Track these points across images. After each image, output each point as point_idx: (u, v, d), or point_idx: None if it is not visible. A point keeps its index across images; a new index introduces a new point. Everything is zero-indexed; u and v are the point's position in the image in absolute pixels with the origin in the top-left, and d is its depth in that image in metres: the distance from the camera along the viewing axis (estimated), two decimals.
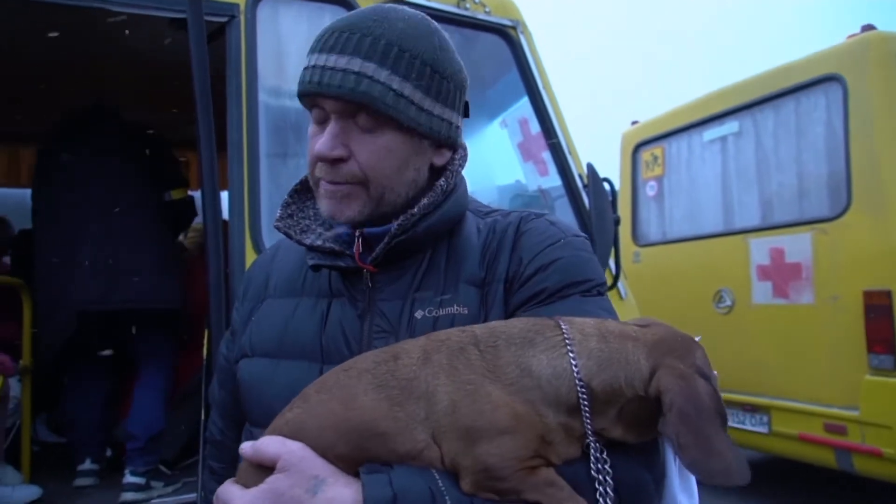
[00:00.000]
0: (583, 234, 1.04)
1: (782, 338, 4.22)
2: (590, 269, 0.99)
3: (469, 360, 0.78)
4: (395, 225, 0.95)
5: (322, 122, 0.96)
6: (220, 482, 1.07)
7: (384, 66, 0.92)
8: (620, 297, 2.93)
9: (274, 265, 1.14)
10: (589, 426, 0.75)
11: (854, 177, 3.82)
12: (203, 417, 2.50)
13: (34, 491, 2.86)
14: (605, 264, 2.75)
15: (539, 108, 2.89)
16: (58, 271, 2.85)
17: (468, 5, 2.73)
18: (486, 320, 0.93)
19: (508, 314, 0.95)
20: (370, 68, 0.92)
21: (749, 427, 4.40)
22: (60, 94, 3.46)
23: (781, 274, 4.22)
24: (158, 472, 3.00)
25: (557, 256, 0.97)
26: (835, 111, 3.99)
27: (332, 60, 0.92)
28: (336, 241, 1.01)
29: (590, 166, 2.72)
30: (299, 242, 1.02)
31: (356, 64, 0.91)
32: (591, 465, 0.75)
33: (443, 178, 1.00)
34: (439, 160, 1.02)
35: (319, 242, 1.00)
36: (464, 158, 1.06)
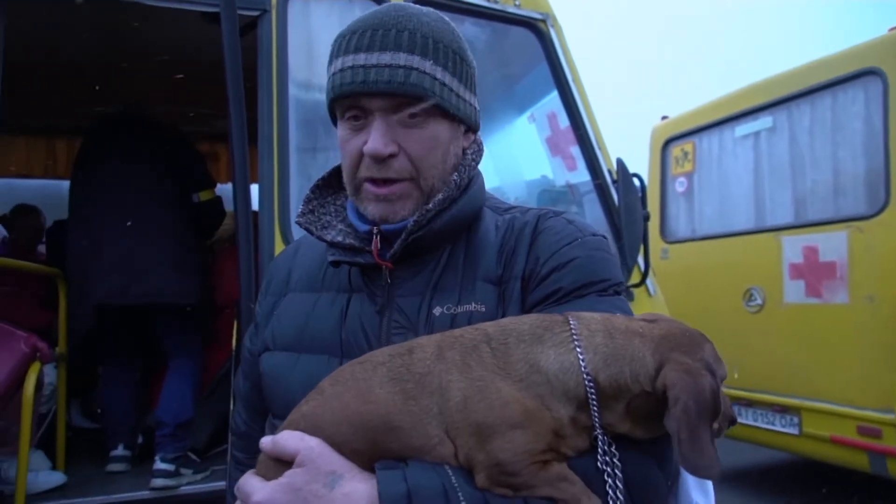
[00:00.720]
0: (601, 234, 1.04)
1: (815, 338, 4.13)
2: (606, 269, 0.98)
3: (481, 357, 0.79)
4: (411, 221, 0.96)
5: (357, 124, 0.96)
6: (244, 470, 1.09)
7: (427, 58, 0.95)
8: (649, 294, 2.90)
9: (296, 260, 1.15)
10: (597, 419, 0.76)
11: (893, 174, 3.72)
12: (231, 407, 2.55)
13: (58, 478, 2.94)
14: (634, 260, 2.72)
15: (568, 102, 2.87)
16: (82, 265, 2.97)
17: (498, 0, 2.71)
18: (503, 317, 0.93)
19: (525, 312, 0.95)
20: (415, 61, 0.94)
21: (779, 428, 4.32)
22: (95, 88, 3.53)
23: (815, 273, 4.13)
24: (188, 460, 3.05)
25: (574, 256, 0.96)
26: (874, 106, 3.88)
27: (375, 58, 0.93)
28: (356, 237, 1.02)
29: (619, 161, 2.69)
30: (320, 238, 1.03)
31: (401, 58, 0.93)
32: (599, 458, 0.76)
33: (456, 174, 1.00)
34: (466, 143, 1.05)
35: (340, 238, 1.01)
36: (477, 153, 1.07)
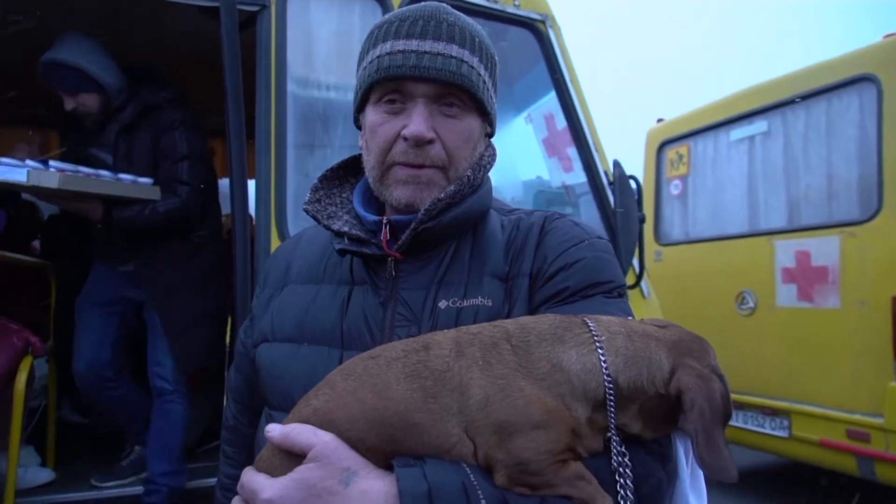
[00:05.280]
0: (605, 237, 1.06)
1: (806, 341, 4.16)
2: (611, 271, 1.01)
3: (501, 355, 0.78)
4: (421, 211, 0.96)
5: (395, 107, 0.97)
6: (234, 466, 1.12)
7: (474, 54, 0.98)
8: (643, 296, 2.91)
9: (296, 253, 1.15)
10: (613, 420, 0.77)
11: (886, 180, 3.74)
12: (225, 402, 2.54)
13: (47, 474, 2.92)
14: (630, 262, 2.73)
15: (566, 103, 2.87)
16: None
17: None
18: (509, 313, 0.95)
19: (532, 310, 0.96)
20: (465, 54, 0.97)
21: (769, 431, 4.35)
22: None
23: (807, 277, 4.16)
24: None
25: (581, 256, 0.98)
26: (868, 112, 3.90)
27: (428, 45, 0.95)
28: (362, 228, 1.03)
29: (616, 163, 2.70)
30: (327, 227, 1.03)
31: (453, 49, 0.96)
32: (613, 458, 0.77)
33: (470, 170, 1.01)
34: (483, 146, 1.06)
35: (346, 229, 1.01)
36: (492, 157, 1.08)
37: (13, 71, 3.37)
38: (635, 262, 2.81)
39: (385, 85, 0.97)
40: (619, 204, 2.65)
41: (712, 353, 0.81)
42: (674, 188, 5.43)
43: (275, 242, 2.22)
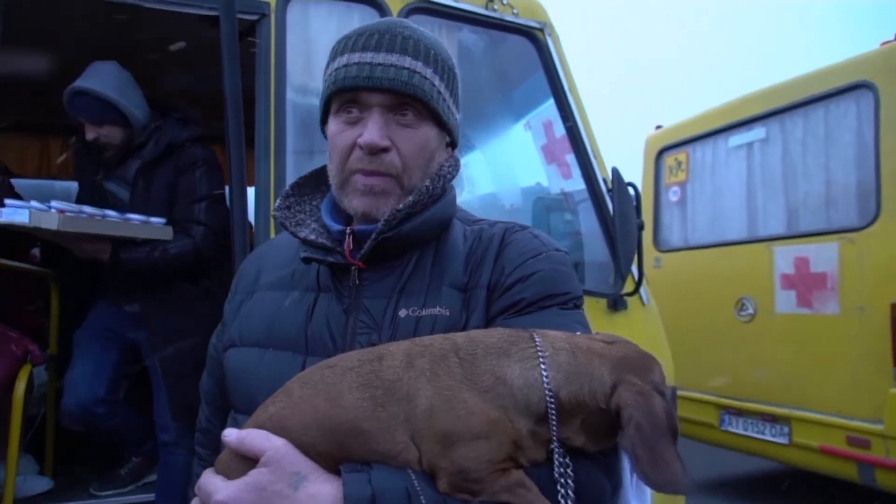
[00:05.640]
0: (563, 249, 1.08)
1: (805, 348, 4.16)
2: (568, 283, 1.03)
3: (449, 367, 0.81)
4: (381, 221, 0.99)
5: (352, 117, 1.01)
6: (206, 466, 1.11)
7: (428, 66, 1.01)
8: (643, 303, 2.91)
9: (266, 260, 1.19)
10: (555, 432, 0.80)
11: (884, 186, 3.76)
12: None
13: (45, 483, 2.90)
14: (629, 269, 2.73)
15: (564, 110, 2.88)
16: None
17: (496, 7, 2.72)
18: (467, 324, 0.98)
19: (489, 320, 0.99)
20: (418, 66, 1.00)
21: (769, 437, 4.34)
22: None
23: (806, 283, 4.16)
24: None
25: (538, 269, 1.00)
26: (865, 119, 3.92)
27: (381, 57, 0.98)
28: (328, 237, 1.05)
29: (615, 170, 2.70)
30: (294, 234, 1.06)
31: (406, 61, 0.99)
32: (556, 469, 0.80)
33: (428, 181, 1.04)
34: (444, 157, 1.09)
35: (313, 237, 1.04)
36: (453, 168, 1.10)
37: (16, 78, 3.38)
38: (634, 268, 2.81)
39: (342, 96, 1.01)
40: (618, 211, 2.65)
41: (658, 371, 0.83)
42: (673, 195, 5.45)
43: None
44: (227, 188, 2.23)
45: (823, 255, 4.04)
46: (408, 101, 1.00)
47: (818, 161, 4.26)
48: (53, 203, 2.25)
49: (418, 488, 0.77)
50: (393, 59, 0.99)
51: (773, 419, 4.31)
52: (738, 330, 4.60)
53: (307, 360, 0.98)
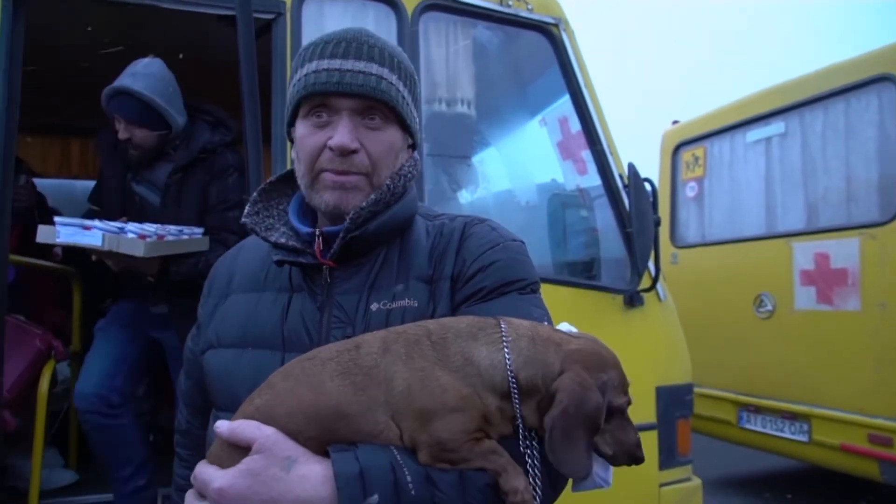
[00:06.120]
0: (520, 239, 1.15)
1: (825, 345, 4.11)
2: (524, 270, 1.10)
3: (422, 350, 0.88)
4: (347, 220, 1.05)
5: (321, 121, 1.06)
6: (187, 467, 1.19)
7: (393, 72, 1.08)
8: (659, 299, 2.89)
9: (237, 263, 1.23)
10: (518, 409, 0.87)
11: None
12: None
13: (70, 476, 2.96)
14: (645, 265, 2.72)
15: (580, 106, 2.87)
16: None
17: (511, 3, 2.72)
18: (434, 313, 1.04)
19: (454, 308, 1.05)
20: (385, 72, 1.06)
21: (788, 435, 4.30)
22: (95, 86, 3.56)
23: (826, 279, 4.11)
24: None
25: (496, 258, 1.08)
26: (888, 112, 3.87)
27: (349, 64, 1.04)
28: (297, 239, 1.10)
29: (631, 166, 2.69)
30: (265, 239, 1.11)
31: (373, 68, 1.06)
32: (521, 441, 0.87)
33: (389, 180, 1.09)
34: (405, 157, 1.15)
35: (283, 240, 1.09)
36: (413, 167, 1.15)
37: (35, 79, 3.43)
38: (651, 264, 2.79)
39: (312, 100, 1.06)
40: (634, 207, 2.64)
41: (613, 372, 0.88)
42: (690, 190, 5.40)
43: None
44: None
45: (844, 251, 3.99)
46: (375, 106, 1.06)
47: (838, 155, 4.20)
48: (130, 226, 2.24)
49: (401, 461, 0.83)
50: (361, 65, 1.04)
51: (792, 417, 4.26)
52: (757, 327, 4.55)
53: (285, 357, 1.03)
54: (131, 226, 2.24)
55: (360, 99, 1.04)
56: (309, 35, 2.37)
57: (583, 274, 2.95)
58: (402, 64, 1.10)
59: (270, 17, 2.34)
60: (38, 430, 2.59)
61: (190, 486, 1.15)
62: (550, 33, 2.84)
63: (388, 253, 1.10)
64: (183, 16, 2.35)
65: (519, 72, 3.18)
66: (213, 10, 2.32)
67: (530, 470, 0.87)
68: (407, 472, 0.82)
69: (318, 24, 2.40)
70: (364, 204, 1.05)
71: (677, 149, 5.52)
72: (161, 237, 2.31)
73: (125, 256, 2.24)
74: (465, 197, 2.99)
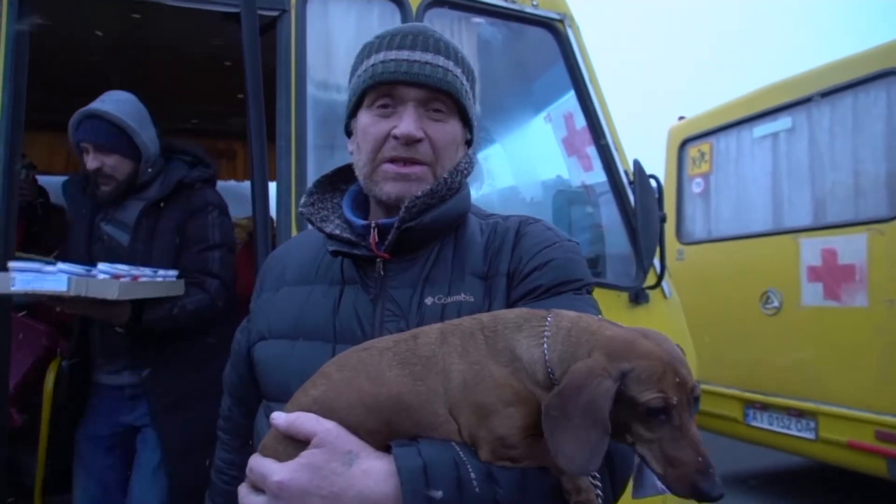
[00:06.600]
0: (575, 240, 1.15)
1: (832, 341, 4.09)
2: (579, 270, 1.10)
3: (476, 343, 0.86)
4: (402, 210, 1.05)
5: (386, 111, 1.08)
6: (228, 451, 1.24)
7: (457, 66, 1.10)
8: (665, 296, 2.88)
9: (290, 257, 1.24)
10: None
11: None
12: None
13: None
14: (650, 262, 2.71)
15: (585, 102, 2.85)
16: None
17: None
18: (489, 309, 1.03)
19: (509, 306, 1.04)
20: (450, 65, 1.09)
21: (794, 432, 4.28)
22: (101, 83, 3.57)
23: (833, 275, 4.09)
24: None
25: (553, 257, 1.08)
26: (895, 107, 3.83)
27: (417, 55, 1.07)
28: (351, 232, 1.12)
29: (636, 162, 2.67)
30: (320, 229, 1.12)
31: (440, 60, 1.08)
32: None
33: (447, 173, 1.10)
34: (462, 153, 1.16)
35: (338, 232, 1.10)
36: (469, 164, 1.16)
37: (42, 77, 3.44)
38: (656, 261, 2.78)
39: (378, 90, 1.08)
40: (640, 203, 2.63)
41: (640, 362, 0.77)
42: (696, 186, 5.38)
43: None
44: (249, 183, 2.25)
45: (851, 247, 3.97)
46: (439, 97, 1.07)
47: (846, 151, 4.17)
48: (101, 266, 1.97)
49: (464, 458, 0.81)
50: (428, 57, 1.07)
51: (799, 414, 4.24)
52: (764, 323, 4.53)
53: (336, 348, 1.02)
54: (102, 266, 1.98)
55: (426, 89, 1.06)
56: (314, 32, 2.37)
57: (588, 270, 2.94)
58: (465, 60, 1.13)
59: (275, 14, 2.33)
60: (44, 428, 2.60)
61: (229, 468, 1.24)
62: (556, 29, 2.83)
63: (442, 248, 1.10)
64: (187, 13, 2.35)
65: (524, 68, 3.17)
66: (218, 8, 2.31)
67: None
68: (470, 469, 0.81)
69: (323, 20, 2.40)
70: (419, 193, 1.05)
71: (683, 144, 5.50)
72: (136, 278, 2.04)
73: (92, 303, 1.94)
74: (470, 193, 2.98)
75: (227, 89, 3.02)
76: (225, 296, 2.36)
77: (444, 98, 1.08)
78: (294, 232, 2.26)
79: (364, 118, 1.10)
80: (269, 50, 2.29)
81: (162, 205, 2.35)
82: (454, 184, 1.10)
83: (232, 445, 1.25)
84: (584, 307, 1.00)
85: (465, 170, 1.14)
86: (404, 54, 1.06)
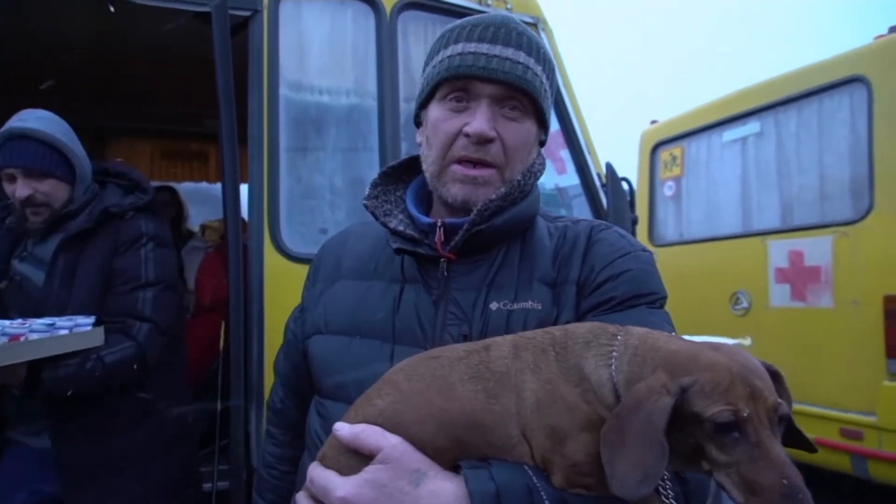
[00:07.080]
0: (649, 250, 1.08)
1: (799, 341, 4.18)
2: (655, 283, 1.03)
3: (548, 360, 0.81)
4: (473, 212, 1.00)
5: (459, 106, 1.02)
6: (277, 446, 1.21)
7: (538, 63, 1.03)
8: None
9: (345, 249, 1.19)
10: None
11: (877, 180, 3.77)
12: (219, 407, 2.53)
13: None
14: None
15: (558, 106, 2.88)
16: None
17: (490, 2, 2.72)
18: (557, 318, 0.98)
19: (579, 317, 0.99)
20: (531, 62, 1.02)
21: None
22: (83, 84, 3.50)
23: (800, 277, 4.18)
24: None
25: (628, 268, 1.01)
26: (859, 113, 3.93)
27: (497, 50, 1.00)
28: (415, 229, 1.07)
29: (609, 165, 2.71)
30: (384, 224, 1.07)
31: (521, 56, 1.01)
32: None
33: (521, 175, 1.05)
34: (535, 154, 1.10)
35: (402, 228, 1.05)
36: (542, 165, 1.11)
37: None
38: None
39: (453, 83, 1.02)
40: (612, 205, 2.66)
41: (703, 374, 0.71)
42: (668, 189, 5.46)
43: (267, 246, 2.23)
44: (220, 185, 2.22)
45: (818, 249, 4.06)
46: (516, 95, 1.01)
47: (812, 155, 4.27)
48: None
49: (538, 484, 0.76)
50: (508, 52, 1.00)
51: None
52: (733, 324, 4.61)
53: (395, 349, 0.99)
54: None
55: (503, 86, 1.00)
56: (286, 33, 2.36)
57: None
58: (547, 56, 1.06)
59: (247, 14, 2.32)
60: None
61: (279, 463, 1.21)
62: None
63: (509, 251, 1.04)
64: (158, 13, 2.32)
65: None
66: (189, 7, 2.29)
67: (664, 498, 0.77)
68: (545, 497, 0.76)
69: (296, 21, 2.38)
70: (493, 196, 1.01)
71: (655, 148, 5.57)
72: (16, 338, 1.65)
73: None
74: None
75: (200, 90, 2.98)
76: (160, 342, 1.96)
77: (520, 97, 1.01)
78: (266, 233, 2.25)
79: (435, 111, 1.05)
80: (241, 50, 2.28)
81: (85, 238, 1.97)
82: (526, 186, 1.06)
83: (282, 440, 1.22)
84: (658, 322, 0.95)
85: (538, 171, 1.09)
86: (484, 47, 1.00)
